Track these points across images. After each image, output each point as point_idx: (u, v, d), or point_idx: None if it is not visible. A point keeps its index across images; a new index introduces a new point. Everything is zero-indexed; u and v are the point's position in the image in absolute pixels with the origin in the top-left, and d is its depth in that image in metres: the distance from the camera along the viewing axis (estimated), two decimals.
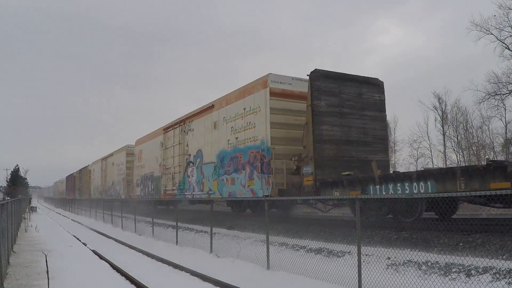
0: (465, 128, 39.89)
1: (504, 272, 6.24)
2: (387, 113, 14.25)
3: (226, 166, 16.03)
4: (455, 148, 40.64)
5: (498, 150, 36.79)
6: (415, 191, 9.41)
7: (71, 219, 36.65)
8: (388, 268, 7.78)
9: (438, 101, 40.54)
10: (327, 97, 12.92)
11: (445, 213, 10.37)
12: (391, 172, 13.75)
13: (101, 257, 12.95)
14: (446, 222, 9.59)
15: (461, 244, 7.92)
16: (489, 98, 31.48)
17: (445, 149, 40.54)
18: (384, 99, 14.11)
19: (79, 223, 31.37)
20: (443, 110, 40.56)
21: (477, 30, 30.76)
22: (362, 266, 7.21)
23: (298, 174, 13.01)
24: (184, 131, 20.20)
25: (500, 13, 29.57)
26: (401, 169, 38.53)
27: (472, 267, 6.70)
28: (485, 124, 37.69)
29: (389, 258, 8.07)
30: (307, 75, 12.88)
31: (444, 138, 40.51)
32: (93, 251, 14.59)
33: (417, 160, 42.60)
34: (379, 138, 13.87)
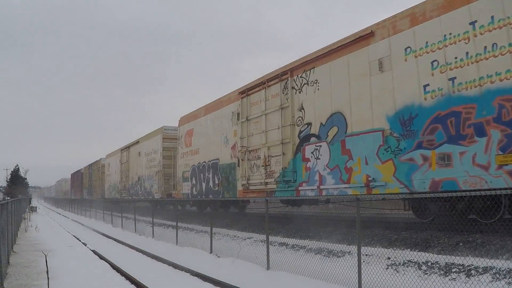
0: None
1: (504, 272, 6.24)
2: None
3: (421, 134, 8.82)
4: None
5: None
6: None
7: (71, 219, 36.65)
8: (388, 268, 7.78)
9: None
10: None
11: None
12: None
13: (101, 257, 12.95)
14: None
15: (461, 244, 7.91)
16: None
17: None
18: None
19: (80, 223, 31.37)
20: None
21: None
22: (362, 266, 7.21)
23: None
24: (293, 88, 12.57)
25: None
26: None
27: (472, 267, 6.70)
28: None
29: (389, 258, 8.07)
30: None
31: None
32: (93, 251, 14.58)
33: None
34: None
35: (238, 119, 15.21)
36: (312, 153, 11.66)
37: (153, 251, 13.67)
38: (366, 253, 8.21)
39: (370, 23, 11.58)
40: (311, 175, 11.60)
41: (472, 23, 7.99)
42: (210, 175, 17.25)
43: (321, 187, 11.18)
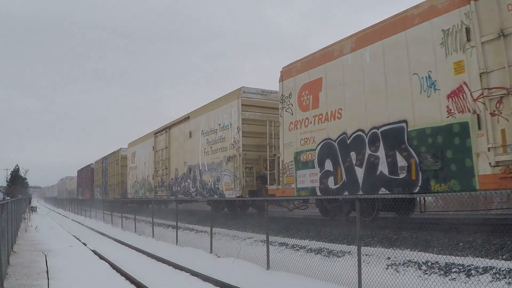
0: None
1: (504, 272, 6.24)
2: None
3: None
4: None
5: None
6: None
7: (71, 219, 36.65)
8: (388, 268, 7.78)
9: None
10: None
11: None
12: None
13: (101, 257, 12.96)
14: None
15: (461, 244, 7.91)
16: None
17: None
18: None
19: (80, 223, 31.37)
20: None
21: None
22: (362, 266, 7.21)
23: None
24: None
25: None
26: None
27: (472, 267, 6.70)
28: None
29: (389, 258, 8.07)
30: None
31: None
32: (93, 251, 14.59)
33: None
34: None
35: (468, 38, 7.94)
36: None
37: (153, 251, 13.67)
38: (366, 253, 8.21)
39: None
40: None
41: None
42: (381, 152, 9.65)
43: None
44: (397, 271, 7.51)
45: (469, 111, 7.88)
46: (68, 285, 8.78)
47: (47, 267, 8.91)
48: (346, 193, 10.52)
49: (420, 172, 8.72)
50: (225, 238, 13.58)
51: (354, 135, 10.40)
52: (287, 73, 12.98)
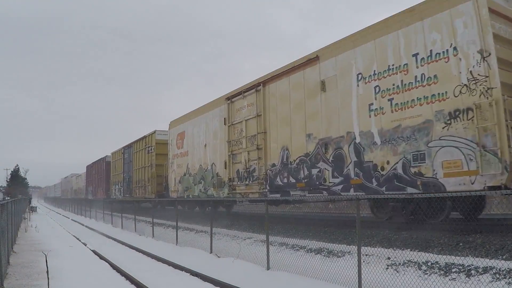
0: None
1: (504, 272, 6.24)
2: None
3: None
4: None
5: None
6: None
7: (71, 219, 36.65)
8: (388, 268, 7.78)
9: None
10: None
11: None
12: None
13: (101, 257, 12.96)
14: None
15: (461, 244, 7.92)
16: None
17: None
18: None
19: (80, 223, 31.37)
20: None
21: None
22: (362, 266, 7.21)
23: None
24: None
25: None
26: None
27: (472, 267, 6.70)
28: None
29: (389, 258, 8.07)
30: None
31: None
32: (93, 251, 14.59)
33: None
34: None
35: None
36: None
37: (153, 251, 13.67)
38: (366, 253, 8.21)
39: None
40: None
41: None
42: None
43: None
44: (397, 271, 7.51)
45: None
46: (68, 285, 8.78)
47: (47, 267, 8.90)
48: None
49: None
50: (225, 238, 13.58)
51: None
52: None
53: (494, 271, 6.37)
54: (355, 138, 10.11)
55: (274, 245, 10.77)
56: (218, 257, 11.73)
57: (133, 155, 27.51)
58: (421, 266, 7.36)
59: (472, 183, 7.63)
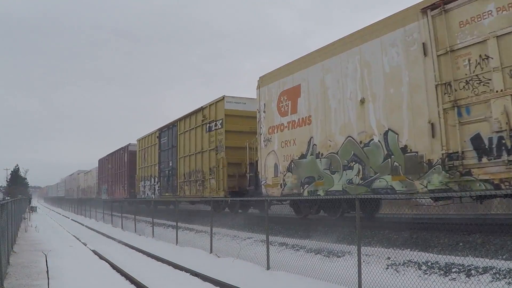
0: None
1: (504, 272, 6.24)
2: None
3: None
4: None
5: None
6: None
7: (71, 219, 36.64)
8: (388, 268, 7.78)
9: None
10: None
11: None
12: None
13: (101, 257, 12.96)
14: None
15: (461, 244, 7.92)
16: None
17: None
18: None
19: (80, 223, 31.37)
20: None
21: None
22: (362, 266, 7.21)
23: None
24: None
25: None
26: None
27: (472, 267, 6.70)
28: None
29: (389, 258, 8.07)
30: None
31: None
32: (93, 251, 14.59)
33: None
34: None
35: None
36: None
37: (153, 251, 13.67)
38: (366, 253, 8.21)
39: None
40: None
41: None
42: None
43: None
44: (397, 271, 7.51)
45: None
46: (68, 285, 8.77)
47: (47, 267, 8.90)
48: None
49: None
50: (225, 238, 13.58)
51: None
52: None
53: (494, 271, 6.37)
54: None
55: (274, 245, 10.77)
56: (218, 257, 11.73)
57: (178, 138, 19.79)
58: (421, 266, 7.36)
59: None
